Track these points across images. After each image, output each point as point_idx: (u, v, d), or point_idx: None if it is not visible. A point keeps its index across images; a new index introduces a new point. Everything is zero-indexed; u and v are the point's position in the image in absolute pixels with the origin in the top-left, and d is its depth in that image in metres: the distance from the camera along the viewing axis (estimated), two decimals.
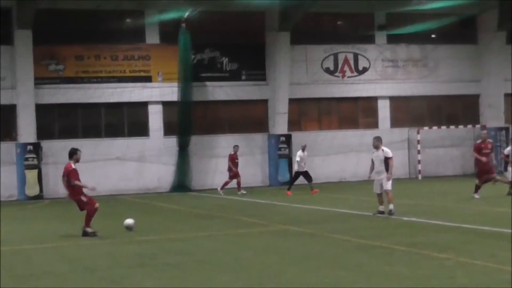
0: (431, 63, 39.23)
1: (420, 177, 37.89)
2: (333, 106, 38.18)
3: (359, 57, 38.15)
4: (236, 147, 32.62)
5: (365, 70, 38.21)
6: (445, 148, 39.27)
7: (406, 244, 14.62)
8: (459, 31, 40.29)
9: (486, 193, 25.21)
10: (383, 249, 14.21)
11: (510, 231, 15.99)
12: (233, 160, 31.98)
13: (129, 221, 18.05)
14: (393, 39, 38.66)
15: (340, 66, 37.88)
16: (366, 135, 37.02)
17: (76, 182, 17.56)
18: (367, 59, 38.21)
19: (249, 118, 36.91)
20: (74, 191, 17.67)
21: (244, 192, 31.61)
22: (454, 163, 39.62)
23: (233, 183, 31.99)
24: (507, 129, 39.67)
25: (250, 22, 36.74)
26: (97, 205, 17.67)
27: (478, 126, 39.30)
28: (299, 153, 30.32)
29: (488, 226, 16.99)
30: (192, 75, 34.72)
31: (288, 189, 30.16)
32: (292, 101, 36.52)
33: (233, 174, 31.99)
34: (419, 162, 38.08)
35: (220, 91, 36.09)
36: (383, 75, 38.46)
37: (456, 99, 40.01)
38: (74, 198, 17.73)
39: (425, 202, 24.35)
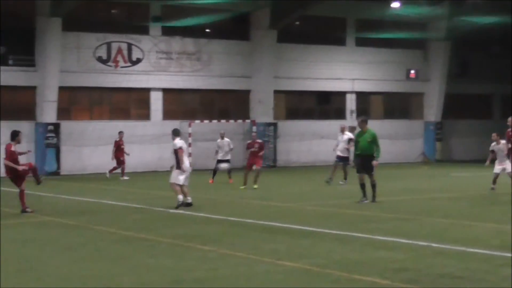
0: (205, 57, 39.56)
1: (191, 169, 38.08)
2: (105, 96, 37.48)
3: (133, 47, 37.68)
4: (121, 133, 32.91)
5: (138, 61, 37.82)
6: (216, 142, 39.71)
7: (171, 236, 14.59)
8: (233, 27, 41.02)
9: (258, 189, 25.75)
10: (148, 241, 14.08)
11: (273, 223, 16.40)
12: (118, 146, 32.42)
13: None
14: (168, 31, 38.60)
15: (113, 55, 37.18)
16: (137, 127, 36.84)
17: (6, 162, 19.18)
18: (141, 50, 37.86)
19: (15, 105, 35.25)
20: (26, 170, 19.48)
21: (127, 178, 31.79)
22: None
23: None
24: (275, 124, 40.94)
25: (20, 5, 35.14)
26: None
27: (248, 121, 40.23)
28: (218, 141, 29.95)
29: (252, 219, 17.34)
30: None
31: (230, 177, 29.34)
32: (62, 89, 35.39)
33: (120, 160, 32.46)
34: (190, 154, 38.21)
35: None
36: (157, 67, 38.29)
37: (228, 94, 40.69)
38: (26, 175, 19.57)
39: (194, 194, 24.40)
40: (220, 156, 29.76)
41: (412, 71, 45.31)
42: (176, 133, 20.71)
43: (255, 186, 25.81)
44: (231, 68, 40.22)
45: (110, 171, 32.53)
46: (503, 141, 23.58)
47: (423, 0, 39.59)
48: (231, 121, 39.71)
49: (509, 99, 48.68)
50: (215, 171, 29.85)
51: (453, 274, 10.58)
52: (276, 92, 41.11)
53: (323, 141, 41.94)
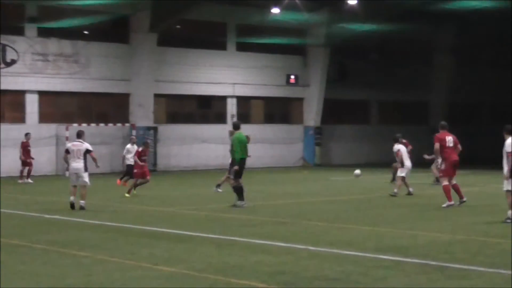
0: (83, 60, 38.82)
1: (67, 174, 37.27)
2: None
3: (7, 48, 36.58)
4: (28, 134, 32.88)
5: (13, 62, 36.73)
6: (94, 146, 38.89)
7: (46, 242, 14.20)
8: (112, 29, 40.47)
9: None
10: (21, 247, 13.65)
11: (151, 228, 16.21)
12: (25, 147, 32.42)
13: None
14: (44, 33, 37.67)
15: None
16: (12, 130, 35.78)
17: None
18: (16, 51, 36.78)
19: None
20: None
21: (31, 181, 31.61)
22: (103, 161, 39.23)
23: None
24: (155, 128, 40.61)
25: None
26: None
27: (127, 124, 39.75)
28: (128, 146, 29.11)
29: (130, 224, 17.10)
30: None
31: (120, 179, 28.66)
32: None
33: (26, 162, 32.28)
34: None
35: None
36: (33, 68, 37.29)
37: (107, 97, 40.07)
38: None
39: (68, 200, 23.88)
40: (130, 161, 29.31)
41: (292, 77, 45.93)
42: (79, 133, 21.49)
43: (129, 195, 25.11)
44: (109, 71, 39.63)
45: (20, 177, 32.11)
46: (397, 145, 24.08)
47: (303, 4, 40.09)
48: (110, 124, 39.14)
49: (386, 104, 50.16)
50: (125, 174, 29.26)
51: (329, 276, 10.69)
52: (157, 95, 40.83)
53: (204, 145, 41.97)
